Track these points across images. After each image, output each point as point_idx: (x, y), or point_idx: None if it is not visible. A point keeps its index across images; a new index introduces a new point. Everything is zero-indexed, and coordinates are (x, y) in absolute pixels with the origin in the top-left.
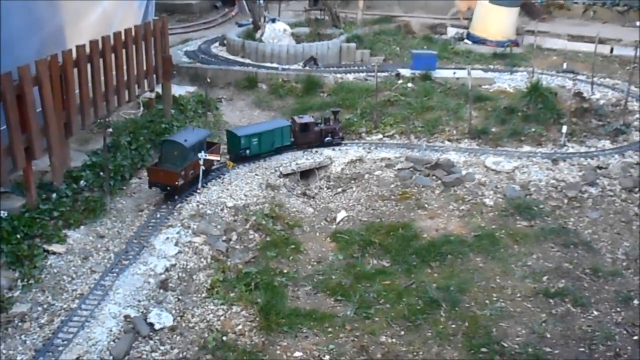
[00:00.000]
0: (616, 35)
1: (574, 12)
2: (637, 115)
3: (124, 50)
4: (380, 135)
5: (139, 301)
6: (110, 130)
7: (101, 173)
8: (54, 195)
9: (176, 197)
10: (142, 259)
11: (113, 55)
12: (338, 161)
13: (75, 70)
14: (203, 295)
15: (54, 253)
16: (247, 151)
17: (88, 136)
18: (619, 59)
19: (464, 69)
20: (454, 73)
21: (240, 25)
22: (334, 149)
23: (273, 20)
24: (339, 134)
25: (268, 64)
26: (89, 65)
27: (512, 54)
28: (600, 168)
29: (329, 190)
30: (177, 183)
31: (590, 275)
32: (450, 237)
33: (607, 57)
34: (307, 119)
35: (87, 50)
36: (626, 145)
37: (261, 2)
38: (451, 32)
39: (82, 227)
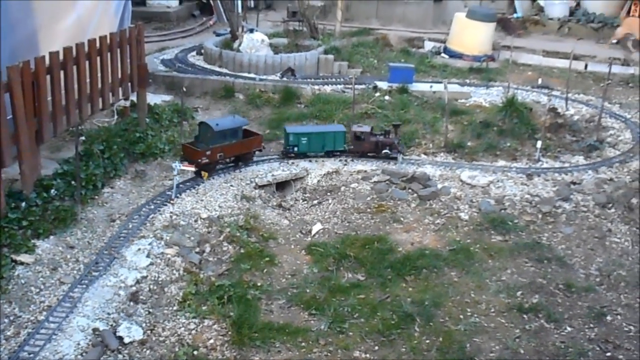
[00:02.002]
0: (590, 52)
1: (549, 28)
2: (611, 132)
3: (98, 58)
4: None
5: (109, 314)
6: (83, 138)
7: (72, 182)
8: (24, 204)
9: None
10: (112, 271)
11: (87, 63)
12: (314, 173)
13: (48, 77)
14: (174, 308)
15: (22, 263)
16: (295, 149)
17: (60, 144)
18: (593, 75)
19: (440, 82)
20: (431, 87)
21: (218, 35)
22: (310, 161)
23: (251, 30)
24: (398, 148)
25: (245, 74)
26: (62, 72)
27: (488, 68)
28: (574, 184)
29: (305, 202)
30: (200, 161)
31: (563, 290)
32: (425, 250)
33: (581, 73)
34: (365, 128)
35: (61, 57)
36: (600, 161)
37: (239, 11)
38: (428, 45)
39: (51, 237)
